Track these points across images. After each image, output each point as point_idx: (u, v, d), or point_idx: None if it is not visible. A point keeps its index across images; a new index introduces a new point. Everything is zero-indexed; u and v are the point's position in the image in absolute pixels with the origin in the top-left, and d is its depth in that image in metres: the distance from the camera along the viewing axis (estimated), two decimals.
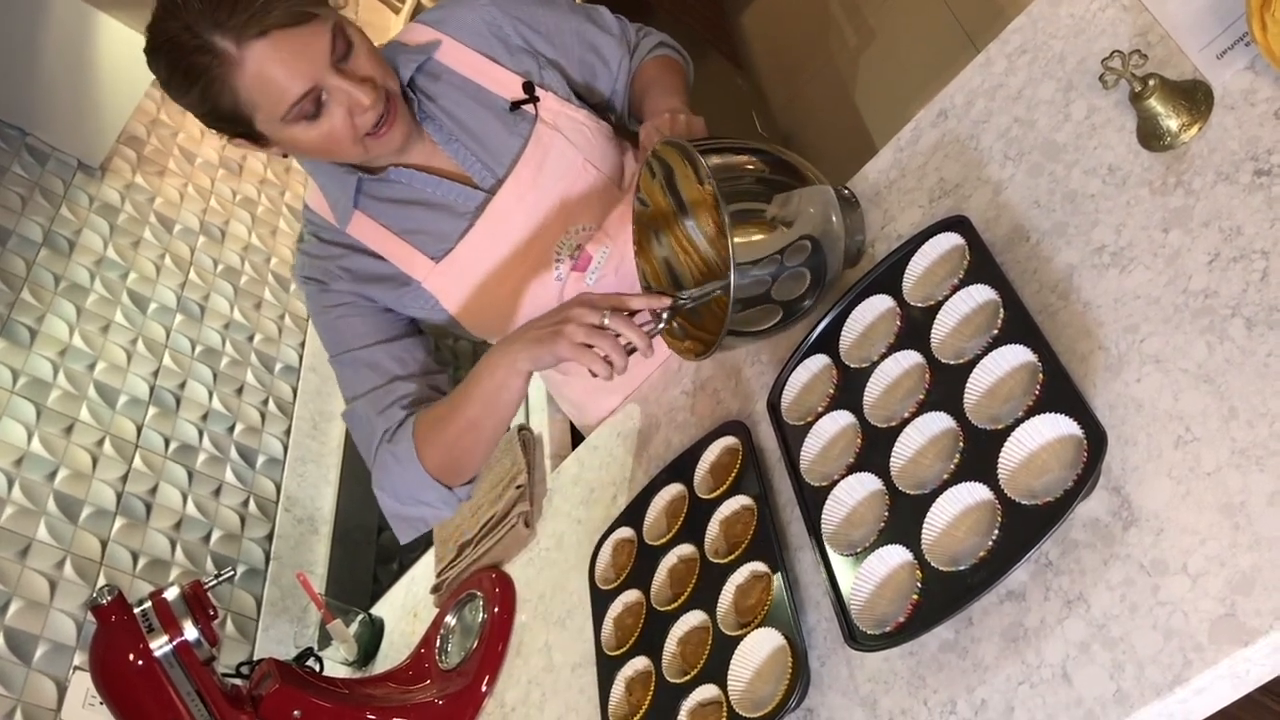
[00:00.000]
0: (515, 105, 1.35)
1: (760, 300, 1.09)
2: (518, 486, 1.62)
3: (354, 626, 1.85)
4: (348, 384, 1.39)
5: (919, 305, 1.07)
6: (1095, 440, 0.84)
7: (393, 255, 1.36)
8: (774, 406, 1.17)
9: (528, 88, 1.35)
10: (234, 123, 1.19)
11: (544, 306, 1.38)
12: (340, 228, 1.37)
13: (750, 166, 1.11)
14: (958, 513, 0.92)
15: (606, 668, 1.20)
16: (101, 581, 1.96)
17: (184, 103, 1.19)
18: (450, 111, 1.35)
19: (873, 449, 1.02)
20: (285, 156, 1.31)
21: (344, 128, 1.19)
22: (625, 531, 1.31)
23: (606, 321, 1.10)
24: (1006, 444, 0.90)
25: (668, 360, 1.47)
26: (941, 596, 0.88)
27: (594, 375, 1.12)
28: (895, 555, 0.94)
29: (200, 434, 2.34)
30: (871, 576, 0.95)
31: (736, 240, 1.03)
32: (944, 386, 0.99)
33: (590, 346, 1.11)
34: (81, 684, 1.79)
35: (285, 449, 2.51)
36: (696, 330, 1.21)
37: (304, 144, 1.22)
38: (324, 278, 1.38)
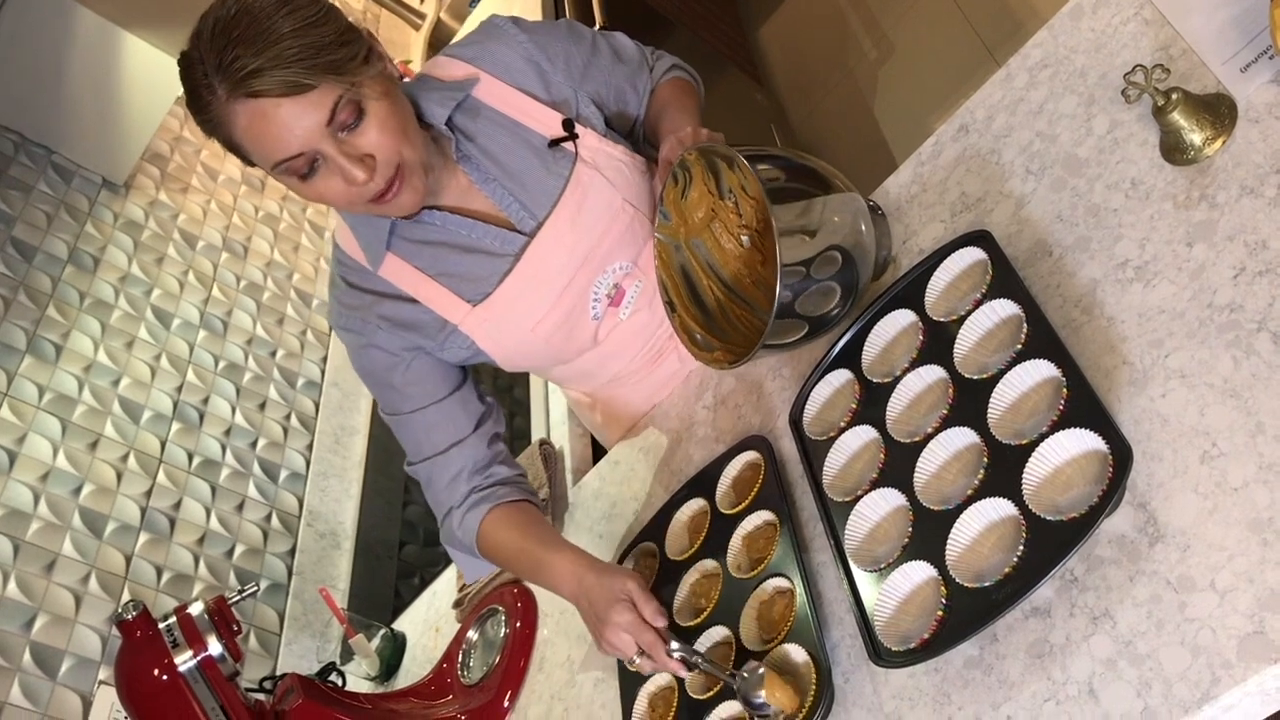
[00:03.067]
0: (554, 143, 1.32)
1: (789, 312, 1.08)
2: (539, 501, 1.62)
3: (376, 641, 1.85)
4: (407, 445, 1.41)
5: (942, 320, 1.07)
6: (1120, 455, 0.84)
7: (427, 298, 1.34)
8: (796, 421, 1.17)
9: (567, 125, 1.32)
10: (238, 152, 1.17)
11: (580, 345, 1.39)
12: (372, 269, 1.34)
13: (781, 175, 1.10)
14: (982, 528, 0.92)
15: (629, 683, 1.20)
16: (126, 597, 1.97)
17: (195, 121, 1.16)
18: (488, 150, 1.32)
19: (896, 464, 1.02)
20: None
21: (339, 193, 1.16)
22: (647, 546, 1.31)
23: (636, 660, 1.14)
24: (1031, 459, 0.90)
25: (689, 375, 1.47)
26: (966, 613, 0.88)
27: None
28: (919, 571, 0.94)
29: (223, 449, 2.35)
30: (895, 592, 0.95)
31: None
32: (967, 401, 0.99)
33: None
34: (106, 699, 1.80)
35: (307, 464, 2.53)
36: (721, 342, 1.21)
37: (300, 193, 1.19)
38: (362, 330, 1.36)
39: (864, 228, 1.10)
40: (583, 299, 1.35)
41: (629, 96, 1.41)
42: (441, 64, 1.35)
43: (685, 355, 1.45)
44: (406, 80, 1.29)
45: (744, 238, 1.21)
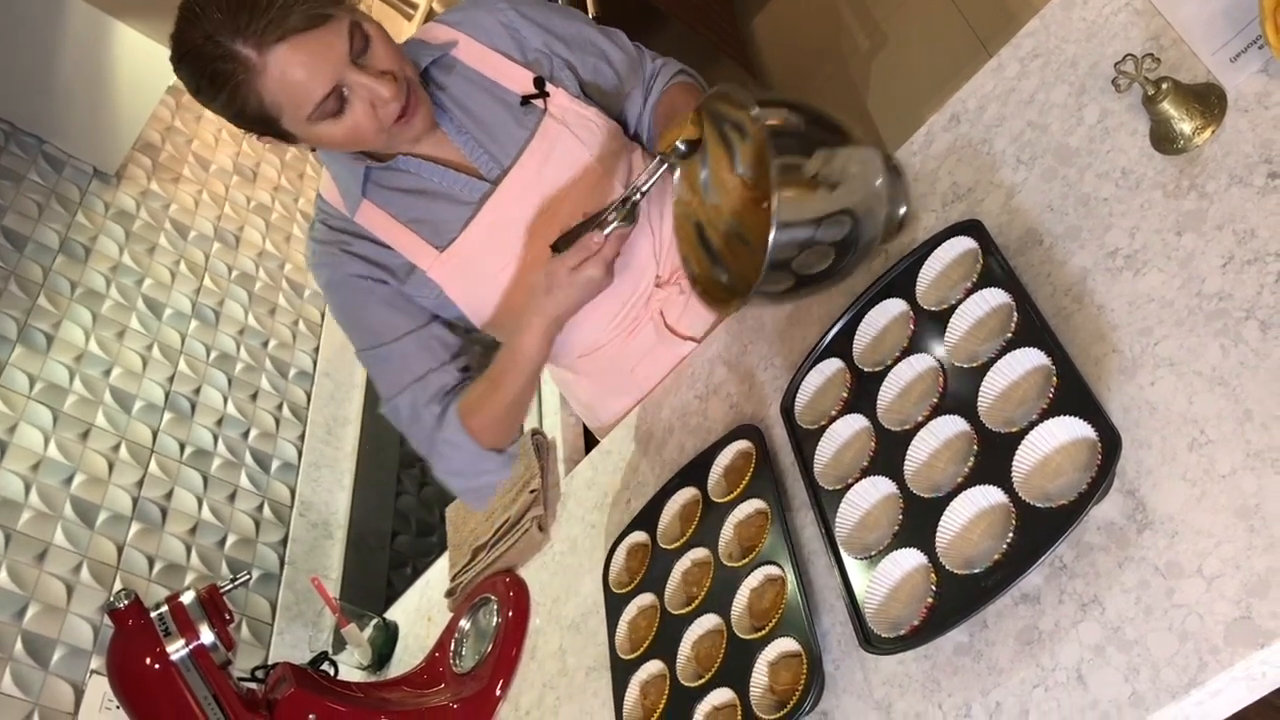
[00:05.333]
0: (526, 99, 1.37)
1: (798, 251, 1.02)
2: (531, 491, 1.62)
3: (368, 630, 1.85)
4: (384, 380, 1.43)
5: (932, 309, 1.07)
6: (1109, 443, 0.84)
7: (399, 244, 1.38)
8: (787, 410, 1.17)
9: (538, 83, 1.37)
10: (261, 124, 1.22)
11: None
12: (349, 216, 1.39)
13: (795, 121, 1.07)
14: (972, 516, 0.92)
15: (621, 671, 1.20)
16: (118, 586, 1.97)
17: (212, 108, 1.22)
18: (460, 102, 1.37)
19: (886, 452, 1.02)
20: (314, 150, 1.34)
21: (367, 121, 1.22)
22: (639, 535, 1.31)
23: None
24: (1020, 447, 0.90)
25: (680, 364, 1.47)
26: (956, 600, 0.88)
27: None
28: (910, 559, 0.94)
29: (215, 439, 2.35)
30: (886, 580, 0.95)
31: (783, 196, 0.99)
32: (958, 390, 0.99)
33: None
34: (98, 688, 1.80)
35: (299, 454, 2.52)
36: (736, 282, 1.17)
37: (330, 140, 1.25)
38: (334, 264, 1.40)
39: (878, 180, 1.06)
40: (546, 251, 1.37)
41: (609, 77, 1.45)
42: (428, 29, 1.43)
43: (661, 328, 1.49)
44: None
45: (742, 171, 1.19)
